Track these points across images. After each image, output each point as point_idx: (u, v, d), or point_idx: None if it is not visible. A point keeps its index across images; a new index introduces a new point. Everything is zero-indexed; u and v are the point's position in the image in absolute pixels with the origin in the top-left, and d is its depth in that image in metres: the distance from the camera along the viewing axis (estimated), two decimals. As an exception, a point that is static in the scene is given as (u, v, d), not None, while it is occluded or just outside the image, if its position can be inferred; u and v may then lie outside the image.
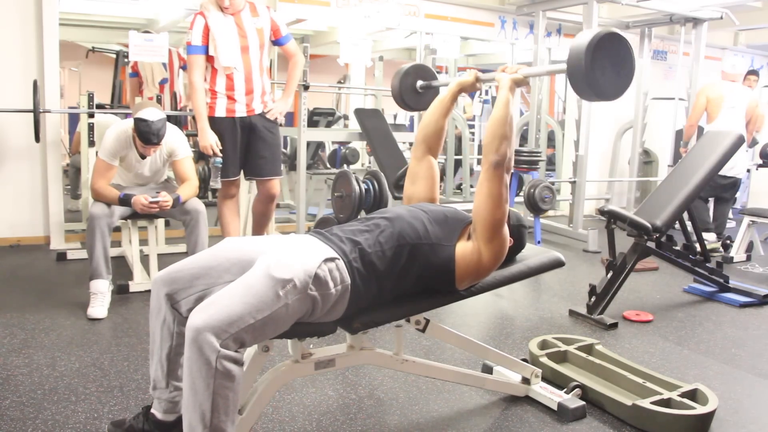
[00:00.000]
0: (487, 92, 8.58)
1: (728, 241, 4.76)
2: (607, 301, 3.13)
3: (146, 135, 3.01)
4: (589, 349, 2.50)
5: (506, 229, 1.74)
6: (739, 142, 3.53)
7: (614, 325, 3.03)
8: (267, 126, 3.44)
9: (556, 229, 5.42)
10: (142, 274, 3.42)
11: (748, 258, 4.67)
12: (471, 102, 8.32)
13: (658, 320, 3.20)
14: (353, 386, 2.28)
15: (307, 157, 4.93)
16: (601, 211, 3.27)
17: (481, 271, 1.76)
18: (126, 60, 5.88)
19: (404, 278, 1.69)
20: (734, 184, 5.07)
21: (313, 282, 1.51)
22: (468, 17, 5.74)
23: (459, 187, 7.47)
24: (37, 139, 3.91)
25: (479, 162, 6.37)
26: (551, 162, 7.49)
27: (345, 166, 6.29)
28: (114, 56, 6.36)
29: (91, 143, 4.08)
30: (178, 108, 5.65)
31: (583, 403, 2.12)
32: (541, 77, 5.75)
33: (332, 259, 1.57)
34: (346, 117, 7.97)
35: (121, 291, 3.27)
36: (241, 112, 3.36)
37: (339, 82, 8.49)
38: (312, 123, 5.86)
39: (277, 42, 3.47)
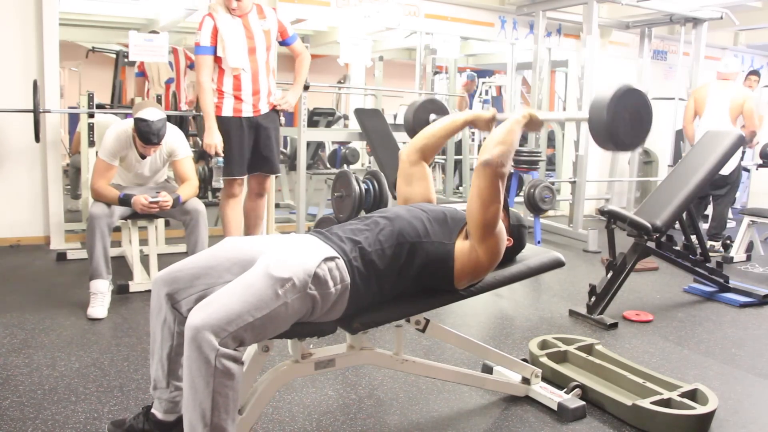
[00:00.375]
0: (487, 92, 8.58)
1: (728, 241, 4.76)
2: (607, 301, 3.13)
3: (146, 135, 3.01)
4: (589, 349, 2.50)
5: (501, 230, 1.74)
6: (740, 142, 3.54)
7: (614, 325, 3.03)
8: (271, 126, 3.52)
9: (556, 229, 5.42)
10: (142, 274, 3.42)
11: (748, 258, 4.67)
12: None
13: (658, 320, 3.20)
14: (353, 386, 2.28)
15: (307, 157, 4.93)
16: (601, 211, 3.28)
17: (479, 270, 1.76)
18: (126, 60, 5.88)
19: (404, 277, 1.69)
20: (724, 181, 4.81)
21: (312, 281, 1.51)
22: (468, 17, 5.74)
23: (458, 187, 7.47)
24: (37, 139, 3.91)
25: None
26: (551, 162, 7.50)
27: (345, 166, 6.28)
28: (114, 56, 6.36)
29: (91, 143, 4.08)
30: (178, 108, 5.65)
31: (583, 403, 2.12)
32: (541, 77, 5.76)
33: (332, 258, 1.57)
34: (346, 117, 7.98)
35: (121, 291, 3.27)
36: (247, 112, 3.41)
37: (339, 82, 8.49)
38: (312, 123, 5.86)
39: (284, 42, 3.57)
